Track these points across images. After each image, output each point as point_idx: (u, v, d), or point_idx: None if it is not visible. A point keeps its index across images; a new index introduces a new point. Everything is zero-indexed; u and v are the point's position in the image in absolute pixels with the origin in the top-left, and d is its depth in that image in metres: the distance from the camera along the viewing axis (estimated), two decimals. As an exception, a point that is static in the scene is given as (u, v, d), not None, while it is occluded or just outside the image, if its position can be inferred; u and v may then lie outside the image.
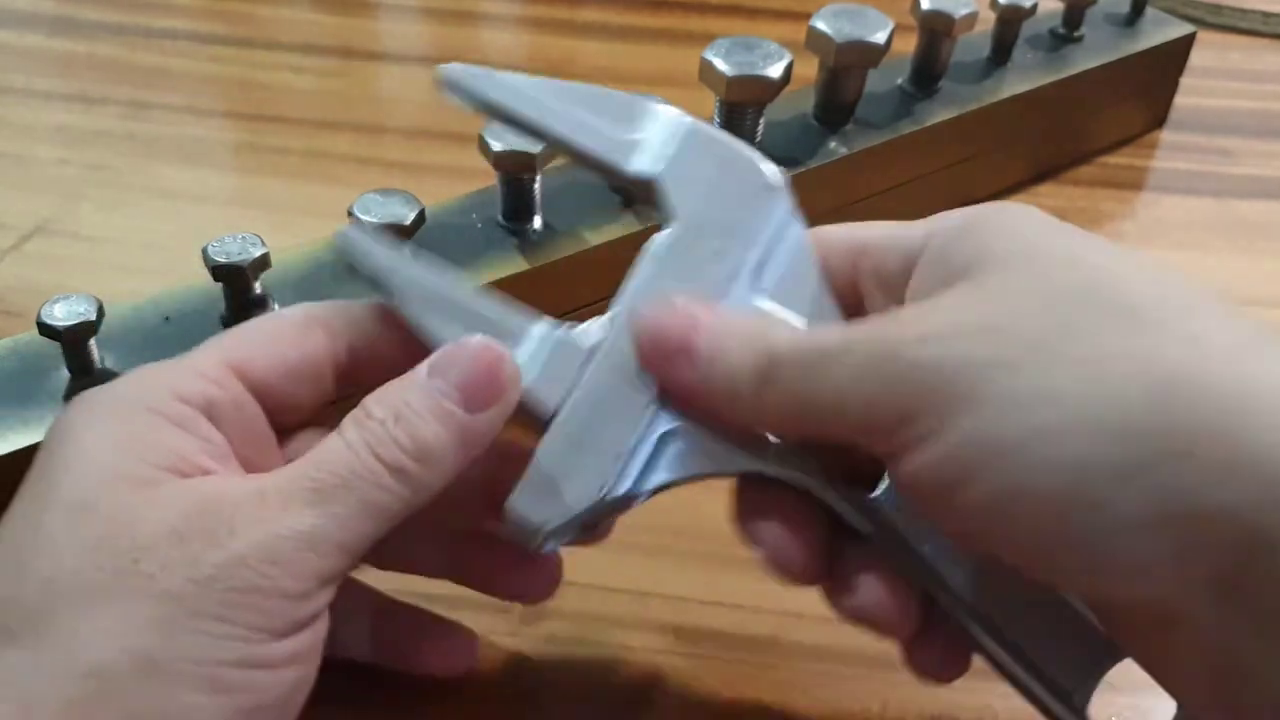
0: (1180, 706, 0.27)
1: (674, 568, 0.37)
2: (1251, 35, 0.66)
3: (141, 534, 0.24)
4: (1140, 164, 0.56)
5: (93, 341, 0.33)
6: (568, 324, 0.28)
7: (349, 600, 0.30)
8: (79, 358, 0.34)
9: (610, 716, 0.33)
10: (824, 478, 0.28)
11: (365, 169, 0.53)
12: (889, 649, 0.31)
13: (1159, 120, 0.59)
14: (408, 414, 0.26)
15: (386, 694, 0.32)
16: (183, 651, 0.23)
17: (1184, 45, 0.56)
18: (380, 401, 0.26)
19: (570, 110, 0.29)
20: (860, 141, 0.46)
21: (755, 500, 0.29)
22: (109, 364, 0.34)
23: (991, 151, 0.51)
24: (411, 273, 0.28)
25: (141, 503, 0.24)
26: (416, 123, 0.57)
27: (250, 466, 0.27)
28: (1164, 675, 0.25)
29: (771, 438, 0.28)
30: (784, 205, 0.29)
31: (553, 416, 0.27)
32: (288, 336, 0.28)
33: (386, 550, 0.27)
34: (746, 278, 0.28)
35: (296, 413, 0.29)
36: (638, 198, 0.34)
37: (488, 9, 0.68)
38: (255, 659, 0.24)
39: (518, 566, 0.32)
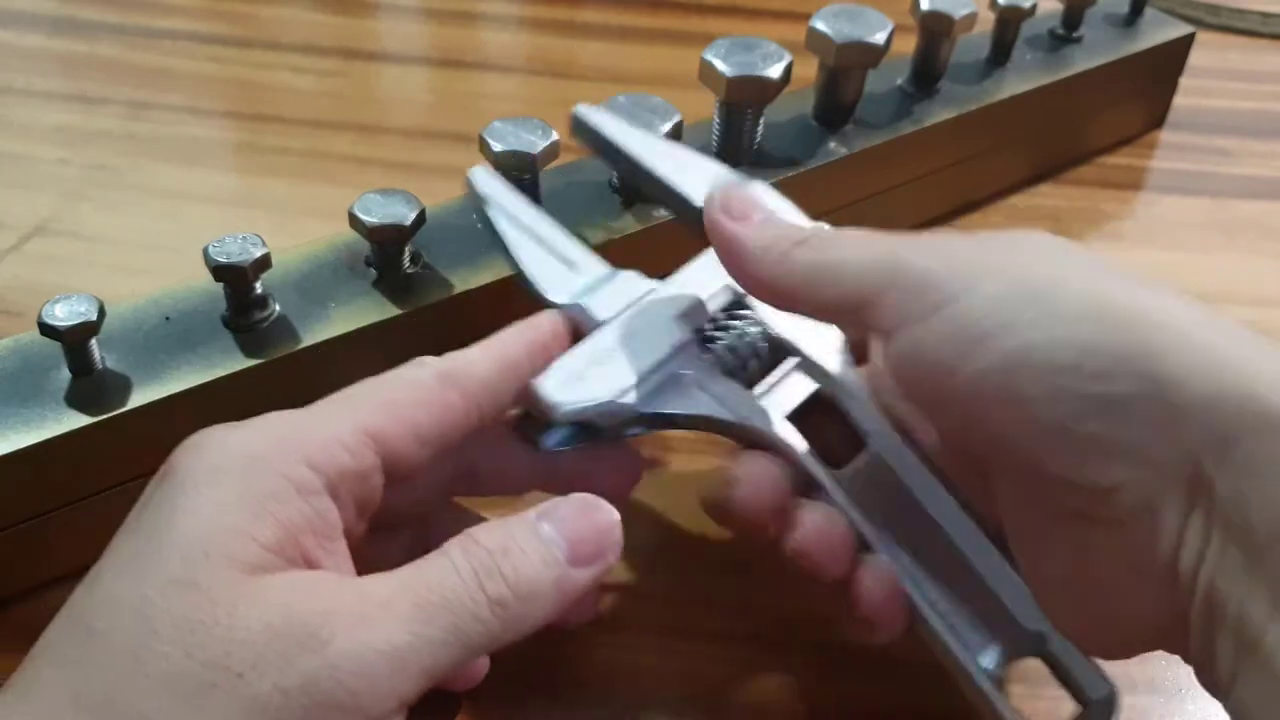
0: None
1: (674, 568, 0.37)
2: (1250, 36, 0.66)
3: (239, 627, 0.23)
4: (1139, 164, 0.56)
5: (94, 341, 0.34)
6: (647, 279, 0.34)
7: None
8: (80, 358, 0.34)
9: (610, 716, 0.33)
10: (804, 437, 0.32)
11: (365, 169, 0.53)
12: (890, 650, 0.31)
13: (1158, 120, 0.59)
14: (515, 551, 0.26)
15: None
16: None
17: (1183, 46, 0.56)
18: (489, 534, 0.26)
19: (667, 157, 0.36)
20: (860, 142, 0.46)
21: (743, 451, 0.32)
22: (110, 364, 0.34)
23: (991, 151, 0.51)
24: (526, 213, 0.35)
25: (245, 592, 0.24)
26: (416, 123, 0.57)
27: (350, 538, 0.27)
28: (1123, 569, 0.26)
29: (770, 410, 0.32)
30: None
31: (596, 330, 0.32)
32: (425, 400, 0.28)
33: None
34: None
35: (411, 488, 0.29)
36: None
37: (488, 9, 0.68)
38: None
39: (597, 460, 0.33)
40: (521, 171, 0.38)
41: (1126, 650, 0.28)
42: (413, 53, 0.65)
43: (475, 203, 0.35)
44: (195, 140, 0.55)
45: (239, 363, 0.35)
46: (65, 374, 0.34)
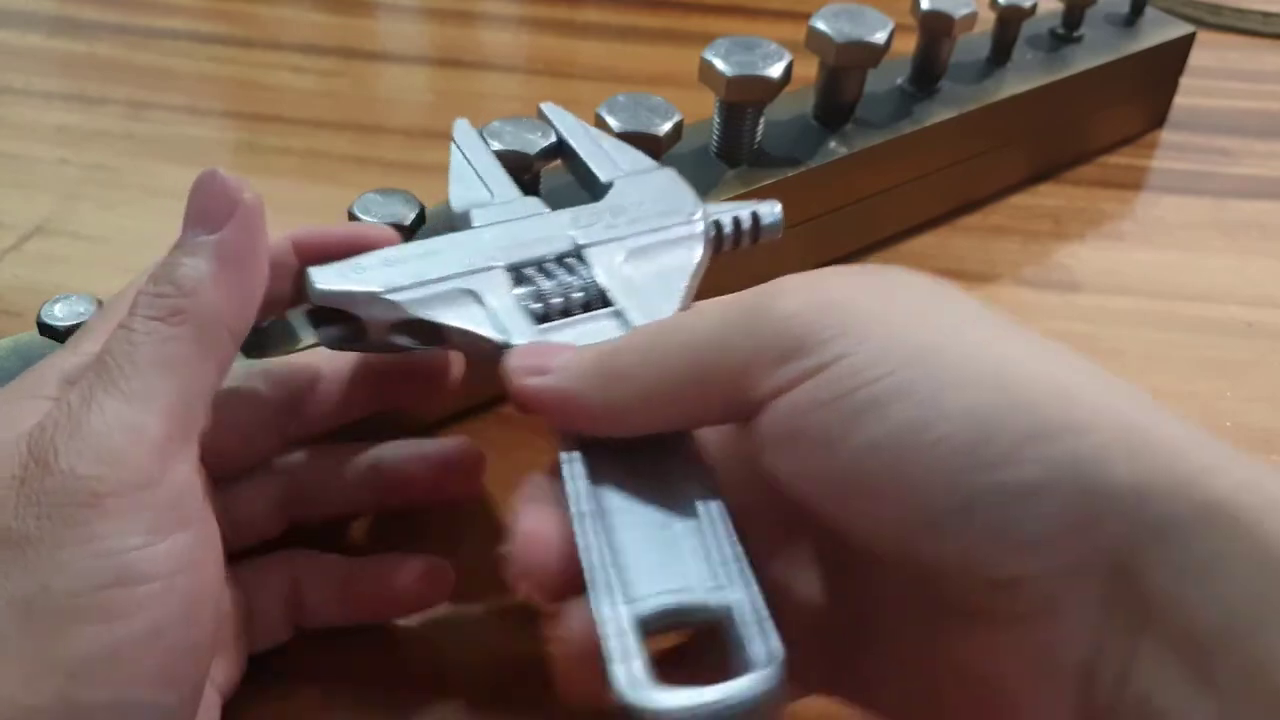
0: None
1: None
2: (1251, 35, 0.66)
3: None
4: (1140, 164, 0.56)
5: (93, 341, 0.33)
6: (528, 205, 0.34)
7: (317, 570, 0.32)
8: (79, 358, 0.34)
9: (610, 716, 0.33)
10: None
11: (365, 169, 0.53)
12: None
13: (1159, 120, 0.59)
14: (164, 265, 0.27)
15: (385, 694, 0.32)
16: (59, 587, 0.23)
17: (1184, 45, 0.56)
18: (148, 276, 0.27)
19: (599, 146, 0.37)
20: (860, 141, 0.46)
21: None
22: (109, 364, 0.34)
23: (991, 151, 0.51)
24: (480, 154, 0.36)
25: None
26: (416, 123, 0.57)
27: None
28: (1024, 674, 0.22)
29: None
30: (693, 230, 0.33)
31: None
32: None
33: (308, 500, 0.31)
34: (621, 250, 0.32)
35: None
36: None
37: (488, 9, 0.68)
38: (135, 570, 0.23)
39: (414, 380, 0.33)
40: (521, 171, 0.38)
41: None
42: (413, 53, 0.65)
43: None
44: (195, 140, 0.55)
45: (239, 363, 0.35)
46: (65, 374, 0.34)
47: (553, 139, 0.38)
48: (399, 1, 0.68)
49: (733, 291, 0.26)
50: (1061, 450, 0.21)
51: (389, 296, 0.30)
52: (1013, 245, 0.51)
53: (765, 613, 0.23)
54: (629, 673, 0.22)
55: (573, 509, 0.25)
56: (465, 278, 0.30)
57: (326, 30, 0.64)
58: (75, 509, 0.23)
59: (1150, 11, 0.56)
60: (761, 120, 0.43)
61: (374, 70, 0.62)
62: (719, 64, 0.41)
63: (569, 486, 0.26)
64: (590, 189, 0.36)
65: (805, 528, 0.27)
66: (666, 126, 0.40)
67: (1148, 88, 0.57)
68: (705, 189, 0.42)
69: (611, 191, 0.34)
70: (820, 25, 0.43)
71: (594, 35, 0.65)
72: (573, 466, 0.26)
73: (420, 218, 0.37)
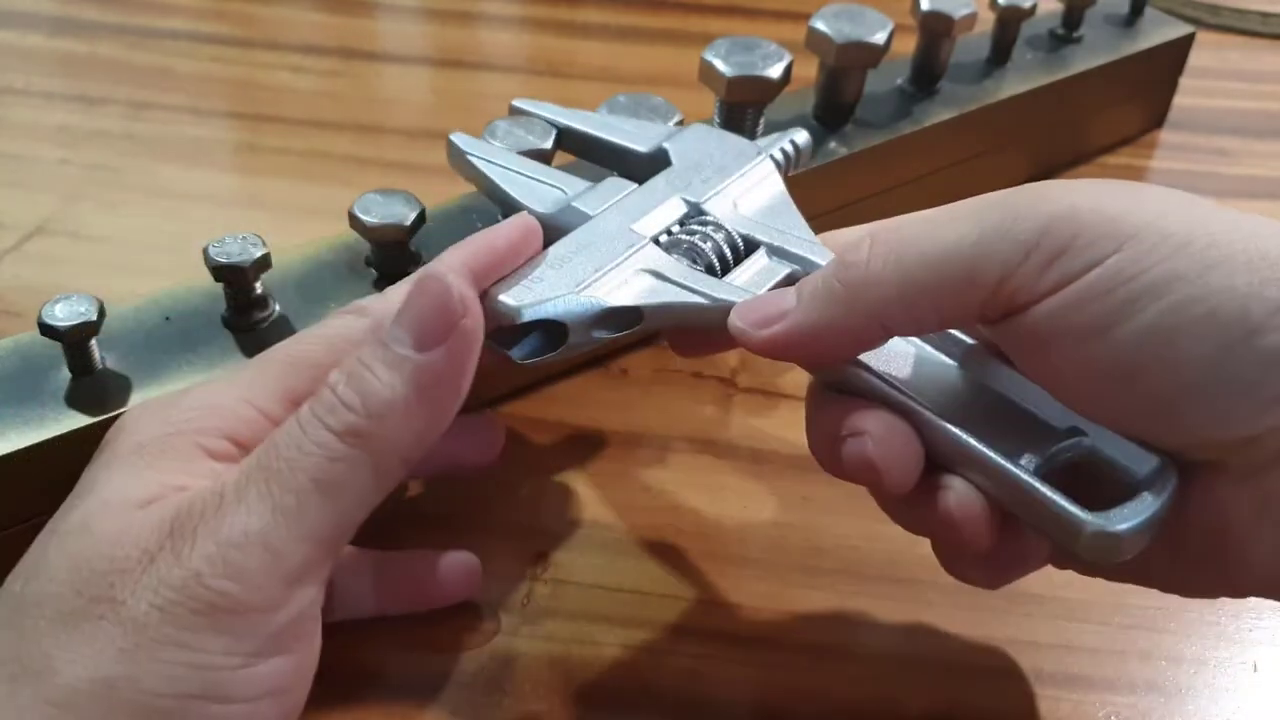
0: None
1: (674, 568, 0.37)
2: (1250, 35, 0.66)
3: (119, 555, 0.23)
4: (1140, 164, 0.56)
5: (94, 341, 0.34)
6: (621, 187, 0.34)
7: (349, 564, 0.31)
8: (80, 358, 0.34)
9: (610, 716, 0.33)
10: None
11: (365, 169, 0.53)
12: (895, 643, 0.31)
13: (1158, 120, 0.59)
14: (357, 371, 0.24)
15: (385, 694, 0.32)
16: (145, 683, 0.22)
17: (1183, 46, 0.56)
18: (338, 367, 0.25)
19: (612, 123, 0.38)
20: (860, 142, 0.46)
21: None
22: (110, 364, 0.34)
23: (991, 151, 0.51)
24: (505, 156, 0.36)
25: (131, 523, 0.23)
26: (416, 123, 0.57)
27: None
28: (1252, 520, 0.25)
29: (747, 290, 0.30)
30: (766, 165, 0.35)
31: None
32: (355, 342, 0.27)
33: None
34: (728, 198, 0.34)
35: None
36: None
37: (488, 9, 0.68)
38: (223, 690, 0.23)
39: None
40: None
41: (1235, 593, 0.27)
42: (413, 53, 0.65)
43: (457, 164, 0.36)
44: (196, 140, 0.55)
45: (239, 363, 0.35)
46: (65, 374, 0.34)
47: (554, 132, 0.38)
48: (399, 1, 0.68)
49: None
50: None
51: (588, 294, 0.30)
52: (1012, 245, 0.51)
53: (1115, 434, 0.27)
54: (1071, 511, 0.25)
55: (935, 434, 0.27)
56: (632, 259, 0.31)
57: (326, 30, 0.64)
58: (189, 614, 0.22)
59: (1150, 12, 0.56)
60: (761, 120, 0.43)
61: (374, 70, 0.62)
62: (719, 64, 0.41)
63: (912, 413, 0.27)
64: (621, 164, 0.36)
65: None
66: (666, 127, 0.40)
67: (1147, 88, 0.57)
68: (705, 189, 0.42)
69: (674, 154, 0.35)
70: (820, 26, 0.44)
71: (594, 35, 0.65)
72: (890, 385, 0.27)
73: (420, 218, 0.37)
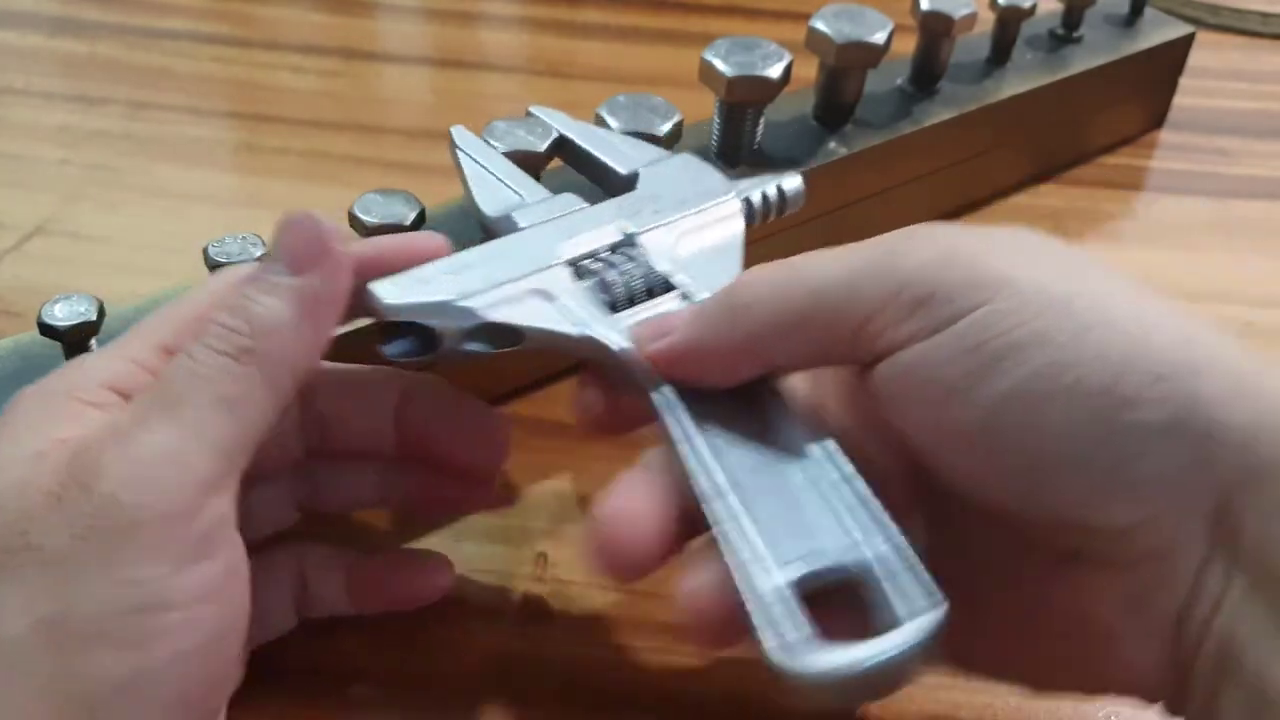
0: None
1: (674, 568, 0.36)
2: (1250, 36, 0.66)
3: (25, 505, 0.23)
4: (1140, 164, 0.56)
5: (94, 342, 0.33)
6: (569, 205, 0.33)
7: (323, 561, 0.32)
8: (80, 358, 0.34)
9: (610, 716, 0.33)
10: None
11: (365, 169, 0.53)
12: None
13: (1158, 120, 0.59)
14: (240, 301, 0.26)
15: (384, 694, 0.32)
16: (85, 610, 0.23)
17: (1183, 46, 0.56)
18: (220, 306, 0.26)
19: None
20: (860, 142, 0.46)
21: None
22: (110, 364, 0.34)
23: (991, 151, 0.51)
24: (490, 156, 0.36)
25: (27, 474, 0.24)
26: (416, 123, 0.57)
27: None
28: (1123, 616, 0.23)
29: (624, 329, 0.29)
30: (731, 206, 0.34)
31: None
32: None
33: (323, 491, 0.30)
34: (671, 233, 0.32)
35: None
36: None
37: (488, 9, 0.68)
38: (160, 598, 0.23)
39: (464, 433, 0.32)
40: (527, 171, 0.38)
41: (1095, 692, 0.26)
42: (413, 53, 0.65)
43: (452, 156, 0.36)
44: (195, 140, 0.55)
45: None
46: (65, 374, 0.34)
47: (554, 137, 0.38)
48: (399, 1, 0.68)
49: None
50: (1185, 391, 0.22)
51: (463, 304, 0.29)
52: (1012, 245, 0.51)
53: (914, 558, 0.23)
54: (780, 639, 0.22)
55: (698, 479, 0.25)
56: (531, 278, 0.30)
57: (326, 30, 0.64)
58: (110, 534, 0.23)
59: (1149, 12, 0.56)
60: (761, 120, 0.43)
61: (374, 70, 0.62)
62: (719, 64, 0.41)
63: (685, 455, 0.26)
64: (603, 182, 0.36)
65: (909, 479, 0.27)
66: (666, 126, 0.40)
67: (1147, 88, 0.57)
68: (705, 189, 0.42)
69: (641, 180, 0.35)
70: (820, 25, 0.44)
71: (594, 35, 0.65)
72: (683, 426, 0.26)
73: (420, 218, 0.37)
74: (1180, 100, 0.58)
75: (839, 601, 0.23)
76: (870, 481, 0.25)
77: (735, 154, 0.43)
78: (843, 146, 0.45)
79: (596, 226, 0.32)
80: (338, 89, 0.59)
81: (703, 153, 0.43)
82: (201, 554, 0.24)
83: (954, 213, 0.52)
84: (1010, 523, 0.24)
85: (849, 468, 0.25)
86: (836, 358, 0.26)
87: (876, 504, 0.24)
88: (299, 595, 0.32)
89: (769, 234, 0.46)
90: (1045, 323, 0.22)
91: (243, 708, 0.30)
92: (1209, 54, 0.63)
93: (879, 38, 0.43)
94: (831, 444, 0.26)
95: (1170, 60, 0.57)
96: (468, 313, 0.29)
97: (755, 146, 0.44)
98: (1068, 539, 0.24)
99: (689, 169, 0.35)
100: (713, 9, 0.67)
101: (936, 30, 0.47)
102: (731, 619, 0.23)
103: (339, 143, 0.55)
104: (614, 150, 0.37)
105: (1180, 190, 0.54)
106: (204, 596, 0.24)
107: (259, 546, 0.31)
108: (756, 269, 0.27)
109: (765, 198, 0.35)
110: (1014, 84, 0.50)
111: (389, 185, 0.37)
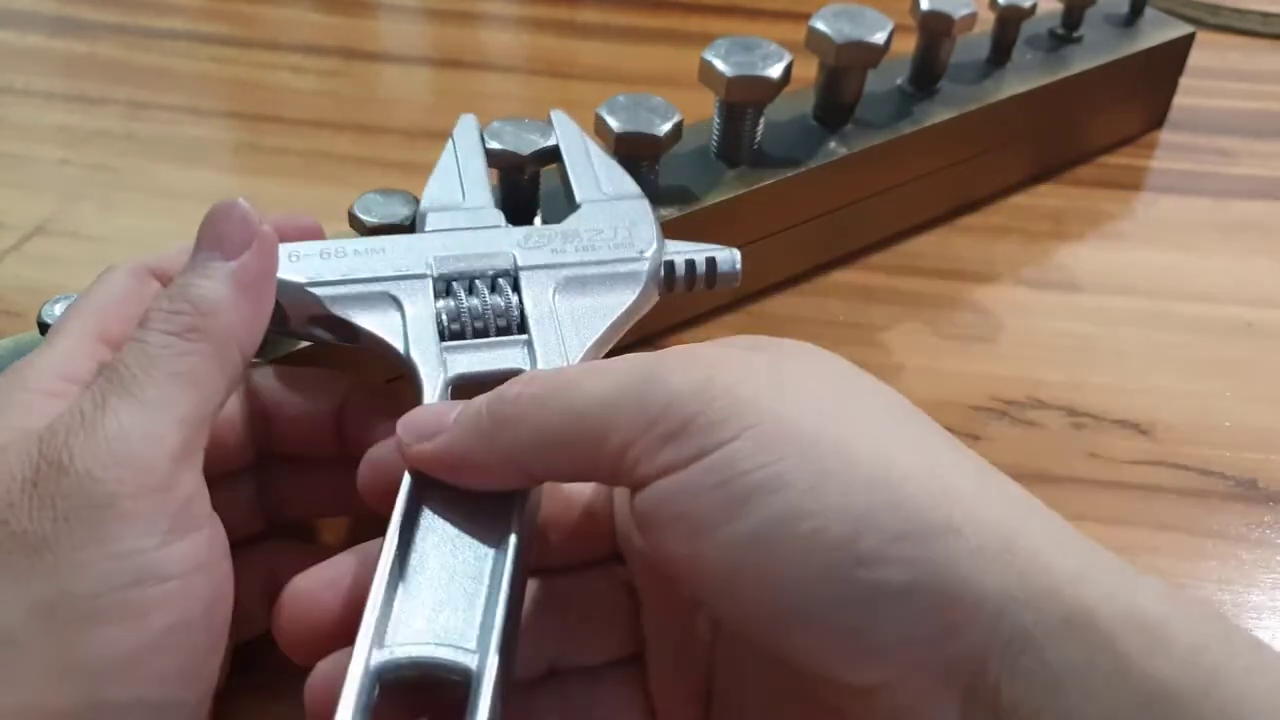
0: None
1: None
2: (1250, 36, 0.66)
3: (2, 495, 0.24)
4: (1139, 164, 0.56)
5: (93, 341, 0.33)
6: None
7: (294, 562, 0.30)
8: (80, 357, 0.34)
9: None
10: None
11: (365, 169, 0.53)
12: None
13: (1158, 120, 0.59)
14: (180, 286, 0.27)
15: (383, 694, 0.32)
16: (80, 589, 0.23)
17: (1183, 46, 0.56)
18: (159, 295, 0.27)
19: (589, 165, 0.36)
20: (860, 142, 0.46)
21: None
22: (110, 364, 0.34)
23: (991, 151, 0.51)
24: (471, 153, 0.36)
25: (1, 465, 0.24)
26: (416, 123, 0.57)
27: None
28: None
29: (446, 362, 0.29)
30: (637, 266, 0.32)
31: None
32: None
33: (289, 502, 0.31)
34: (555, 279, 0.31)
35: None
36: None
37: (488, 9, 0.68)
38: (154, 569, 0.23)
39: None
40: (516, 171, 0.38)
41: None
42: (413, 53, 0.65)
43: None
44: (195, 140, 0.55)
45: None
46: (65, 374, 0.34)
47: (550, 142, 0.38)
48: (399, 1, 0.68)
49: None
50: (930, 553, 0.20)
51: (312, 290, 0.30)
52: (1013, 245, 0.51)
53: (496, 689, 0.22)
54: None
55: (387, 545, 0.24)
56: (392, 282, 0.31)
57: (326, 30, 0.64)
58: (92, 511, 0.23)
59: (1149, 12, 0.56)
60: (761, 120, 0.43)
61: (374, 70, 0.62)
62: (719, 64, 0.41)
63: (393, 518, 0.25)
64: (569, 205, 0.35)
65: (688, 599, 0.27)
66: (666, 126, 0.40)
67: (1147, 88, 0.57)
68: (705, 189, 0.42)
69: (574, 215, 0.34)
70: (820, 25, 0.44)
71: (594, 35, 0.65)
72: (405, 495, 0.26)
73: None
74: (1180, 100, 0.58)
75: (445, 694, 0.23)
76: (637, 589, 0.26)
77: (735, 154, 0.43)
78: (843, 146, 0.45)
79: (493, 249, 0.32)
80: (338, 89, 0.59)
81: (703, 153, 0.44)
82: (186, 525, 0.24)
83: (954, 213, 0.52)
84: (772, 660, 0.23)
85: (513, 591, 0.24)
86: (602, 478, 0.25)
87: (509, 628, 0.23)
88: (271, 597, 0.32)
89: (769, 234, 0.46)
90: (787, 465, 0.21)
91: (225, 705, 0.30)
92: (1209, 54, 0.63)
93: (879, 38, 0.43)
94: (514, 567, 0.24)
95: (1170, 60, 0.57)
96: (312, 299, 0.30)
97: (755, 146, 0.44)
98: (818, 691, 0.23)
99: (631, 217, 0.33)
100: (713, 9, 0.67)
101: (936, 30, 0.47)
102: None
103: (339, 143, 0.55)
104: (586, 175, 0.35)
105: (1180, 190, 0.55)
106: (195, 567, 0.24)
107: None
108: (528, 377, 0.25)
109: (691, 266, 0.33)
110: (1014, 84, 0.50)
111: (389, 185, 0.37)
